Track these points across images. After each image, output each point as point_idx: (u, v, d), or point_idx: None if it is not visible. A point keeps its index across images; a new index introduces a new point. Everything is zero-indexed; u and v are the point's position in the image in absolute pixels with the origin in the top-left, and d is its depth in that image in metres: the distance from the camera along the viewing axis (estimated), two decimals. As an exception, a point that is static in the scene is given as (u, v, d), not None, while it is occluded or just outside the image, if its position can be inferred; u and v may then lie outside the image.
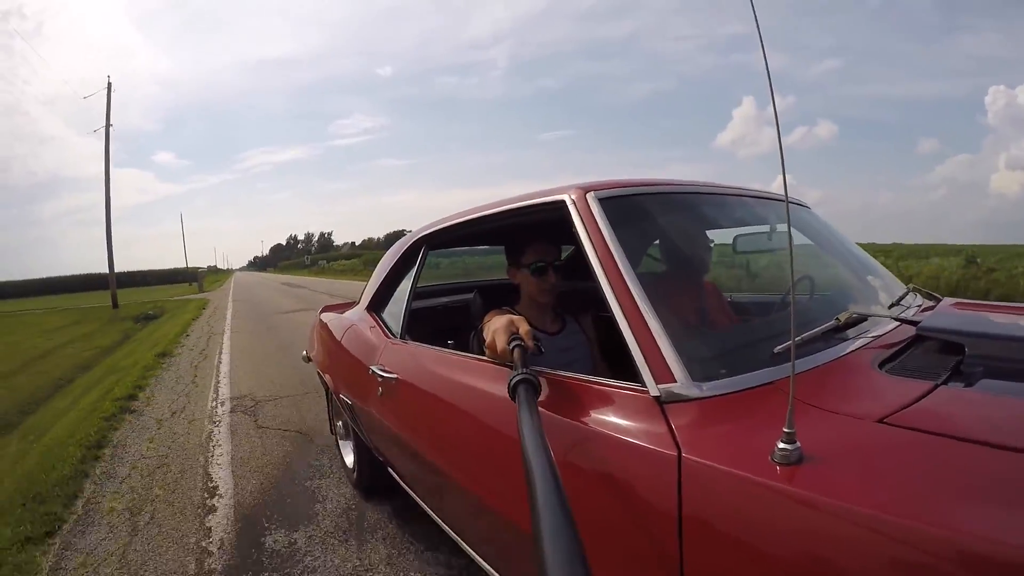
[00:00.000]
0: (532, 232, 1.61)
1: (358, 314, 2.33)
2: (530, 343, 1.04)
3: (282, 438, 3.25)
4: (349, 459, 2.55)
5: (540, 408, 0.96)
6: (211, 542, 2.10)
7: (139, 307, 16.35)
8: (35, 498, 2.53)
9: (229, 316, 11.52)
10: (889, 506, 0.56)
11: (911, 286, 1.37)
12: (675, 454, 0.73)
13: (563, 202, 1.19)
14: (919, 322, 1.05)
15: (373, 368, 1.80)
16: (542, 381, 1.03)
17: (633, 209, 1.21)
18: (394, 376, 1.68)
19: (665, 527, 0.71)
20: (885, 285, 1.46)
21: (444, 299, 2.65)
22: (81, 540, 2.18)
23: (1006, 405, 0.75)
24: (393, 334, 1.92)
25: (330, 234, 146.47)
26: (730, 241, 1.63)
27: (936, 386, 0.80)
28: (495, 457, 1.14)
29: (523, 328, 1.07)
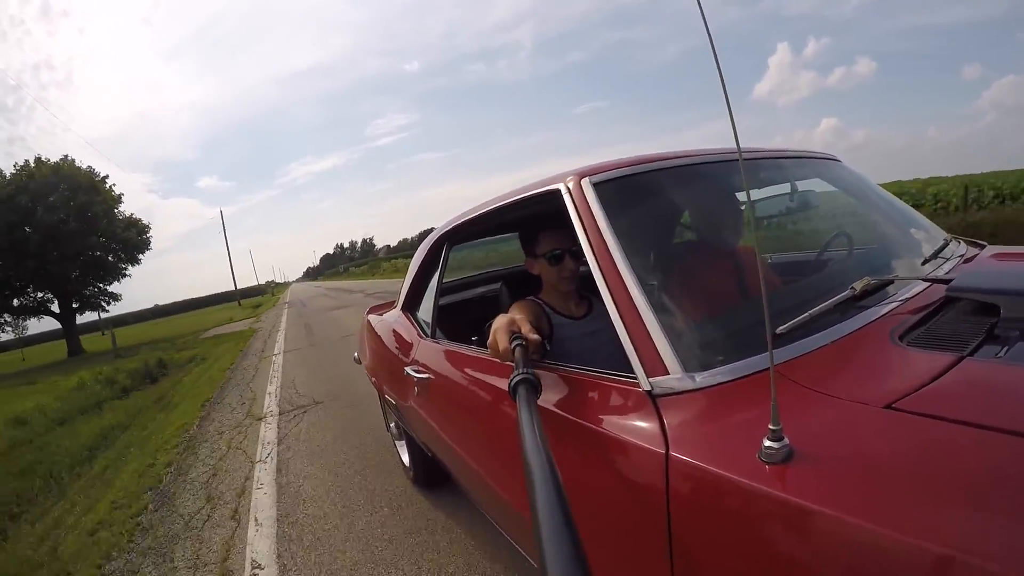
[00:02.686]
0: (544, 220, 1.59)
1: (395, 315, 2.40)
2: (532, 339, 1.04)
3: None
4: (405, 458, 2.65)
5: (540, 401, 0.97)
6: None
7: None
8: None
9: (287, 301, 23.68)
10: (880, 515, 0.51)
11: (951, 236, 1.25)
12: (663, 451, 0.71)
13: (558, 191, 1.17)
14: (951, 280, 0.96)
15: (407, 369, 1.86)
16: (545, 375, 1.03)
17: (633, 191, 1.17)
18: (426, 376, 1.72)
19: (654, 523, 0.70)
20: (924, 236, 1.33)
21: (475, 291, 2.68)
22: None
23: None
24: (425, 333, 1.96)
25: (372, 239, 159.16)
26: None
27: (961, 358, 0.72)
28: (507, 453, 1.16)
29: (525, 327, 1.07)
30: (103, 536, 2.69)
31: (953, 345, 0.77)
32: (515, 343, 1.01)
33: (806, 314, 0.86)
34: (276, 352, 8.37)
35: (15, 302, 21.65)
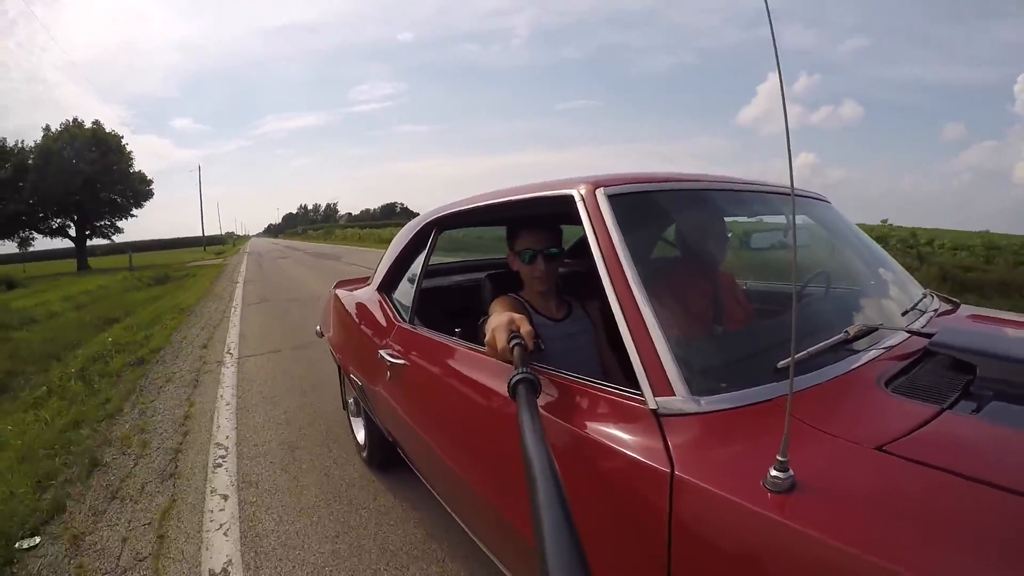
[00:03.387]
0: (530, 218, 1.59)
1: (369, 294, 2.34)
2: (530, 343, 1.04)
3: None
4: (360, 436, 2.61)
5: (541, 409, 0.97)
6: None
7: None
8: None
9: (247, 251, 29.73)
10: (874, 545, 0.55)
11: (928, 291, 1.33)
12: (668, 471, 0.73)
13: (571, 197, 1.16)
14: (932, 335, 1.02)
15: (382, 353, 1.82)
16: (546, 382, 1.03)
17: (644, 206, 1.18)
18: (401, 362, 1.70)
19: (655, 542, 0.71)
20: (902, 286, 1.41)
21: (455, 278, 2.64)
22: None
23: (1012, 438, 0.72)
24: (402, 318, 1.93)
25: (335, 204, 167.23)
26: (743, 233, 1.59)
27: (942, 411, 0.78)
28: (492, 452, 1.15)
29: (524, 327, 1.06)
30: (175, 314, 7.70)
31: (933, 397, 0.83)
32: (514, 342, 1.01)
33: (805, 352, 0.89)
34: (239, 277, 13.87)
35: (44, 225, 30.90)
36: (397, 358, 1.72)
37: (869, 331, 1.03)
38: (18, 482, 2.47)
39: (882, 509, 0.60)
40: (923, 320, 1.20)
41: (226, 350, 5.08)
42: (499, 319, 1.10)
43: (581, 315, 1.66)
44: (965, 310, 1.36)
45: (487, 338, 1.12)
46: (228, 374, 4.22)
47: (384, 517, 2.10)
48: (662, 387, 0.83)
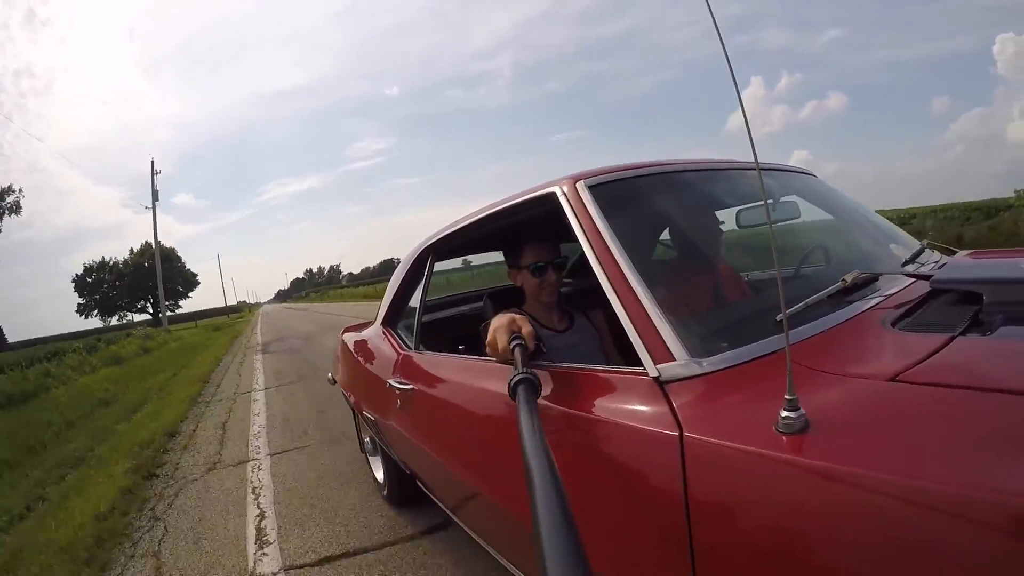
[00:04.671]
0: (529, 233, 1.61)
1: (374, 331, 2.35)
2: (531, 343, 1.03)
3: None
4: (379, 474, 2.57)
5: (543, 400, 0.95)
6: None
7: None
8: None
9: (260, 314, 40.47)
10: (902, 467, 0.52)
11: (925, 242, 1.31)
12: (676, 434, 0.70)
13: (553, 194, 1.18)
14: (932, 276, 1.00)
15: (390, 381, 1.81)
16: (544, 374, 1.02)
17: (626, 194, 1.19)
18: (410, 387, 1.68)
19: (672, 508, 0.68)
20: (899, 241, 1.40)
21: (457, 309, 2.65)
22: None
23: None
24: (407, 346, 1.93)
25: (339, 266, 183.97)
26: (733, 218, 1.59)
27: (953, 338, 0.75)
28: (511, 459, 1.12)
29: (525, 328, 1.06)
30: (235, 333, 21.06)
31: (942, 329, 0.80)
32: (515, 343, 1.00)
33: (803, 302, 0.88)
34: (258, 324, 23.48)
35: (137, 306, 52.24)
36: (406, 384, 1.71)
37: (870, 279, 1.01)
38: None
39: (904, 432, 0.58)
40: (925, 268, 1.18)
41: (256, 333, 17.48)
42: (500, 320, 1.10)
43: (584, 324, 1.66)
44: (963, 253, 1.34)
45: (488, 339, 1.11)
46: (260, 328, 20.19)
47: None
48: (661, 354, 0.81)
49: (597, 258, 0.99)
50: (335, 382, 2.99)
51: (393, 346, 2.03)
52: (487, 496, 1.23)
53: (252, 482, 3.11)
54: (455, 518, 1.65)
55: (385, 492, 2.45)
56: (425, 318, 1.96)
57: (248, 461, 3.51)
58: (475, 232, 1.70)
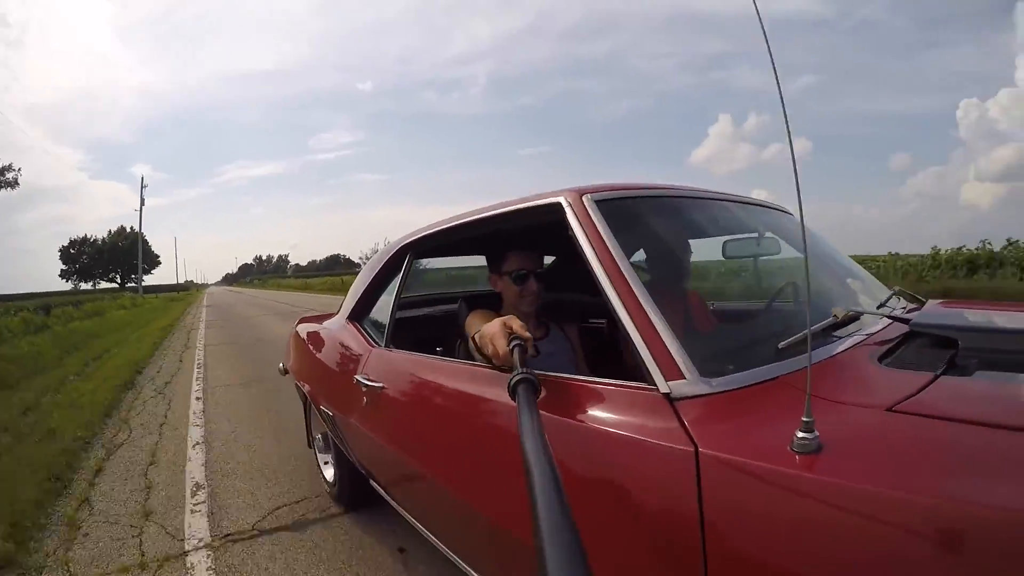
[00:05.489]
0: (514, 240, 1.61)
1: (338, 324, 2.27)
2: (527, 335, 1.03)
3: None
4: (329, 473, 2.48)
5: (547, 411, 0.95)
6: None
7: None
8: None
9: (207, 294, 44.51)
10: (910, 487, 0.57)
11: (896, 288, 1.41)
12: (692, 450, 0.72)
13: (559, 204, 1.18)
14: (910, 319, 1.07)
15: (358, 377, 1.75)
16: (548, 384, 1.01)
17: (627, 212, 1.21)
18: (380, 385, 1.63)
19: (685, 523, 0.69)
20: (870, 289, 1.49)
21: (427, 309, 2.60)
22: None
23: (1006, 390, 0.77)
24: (377, 343, 1.88)
25: (287, 256, 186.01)
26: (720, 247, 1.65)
27: (936, 376, 0.81)
28: (496, 463, 1.11)
29: (516, 325, 1.06)
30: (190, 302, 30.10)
31: (924, 368, 0.87)
32: (513, 343, 1.00)
33: (802, 333, 0.92)
34: (205, 299, 32.61)
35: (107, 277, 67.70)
36: (375, 382, 1.66)
37: (854, 317, 1.07)
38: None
39: (907, 457, 0.63)
40: (898, 312, 1.26)
41: (203, 302, 26.69)
42: (493, 326, 1.08)
43: (559, 336, 1.67)
44: (934, 301, 1.44)
45: (489, 350, 1.09)
46: (205, 303, 25.59)
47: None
48: (671, 371, 0.83)
49: (606, 273, 1.00)
50: (287, 372, 2.87)
51: (361, 342, 1.97)
52: (465, 504, 1.21)
53: (199, 350, 7.88)
54: (417, 523, 1.60)
55: (335, 491, 2.36)
56: (398, 316, 1.92)
57: (196, 348, 8.23)
58: (460, 234, 1.68)
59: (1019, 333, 0.95)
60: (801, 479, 0.62)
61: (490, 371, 1.17)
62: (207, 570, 1.94)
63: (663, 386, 0.82)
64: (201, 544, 2.13)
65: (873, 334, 1.08)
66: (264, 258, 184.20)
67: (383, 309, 2.00)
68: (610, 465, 0.83)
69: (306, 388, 2.40)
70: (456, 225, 1.65)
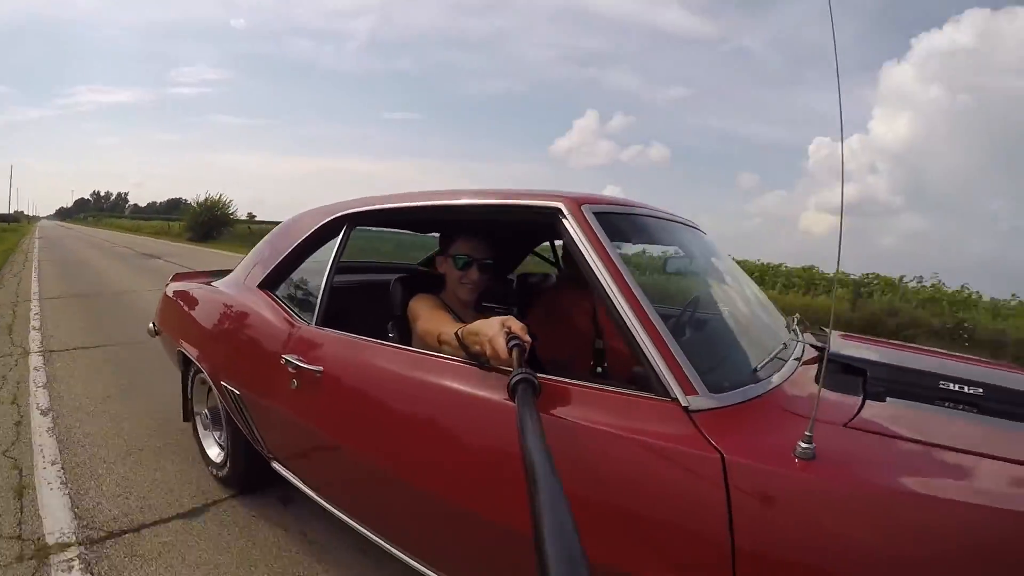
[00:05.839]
0: (468, 226, 1.61)
1: (243, 291, 2.03)
2: (527, 339, 1.04)
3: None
4: (214, 451, 2.24)
5: (559, 415, 1.01)
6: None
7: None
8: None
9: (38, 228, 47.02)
10: (889, 484, 0.81)
11: (797, 316, 1.70)
12: (718, 456, 0.85)
13: (558, 210, 1.22)
14: (823, 347, 1.34)
15: (287, 358, 1.60)
16: (558, 388, 1.07)
17: (615, 227, 1.28)
18: (318, 368, 1.52)
19: (715, 519, 0.83)
20: (771, 308, 1.78)
21: (347, 279, 2.42)
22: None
23: (918, 416, 1.06)
24: (303, 319, 1.73)
25: (126, 194, 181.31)
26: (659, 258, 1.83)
27: (864, 400, 1.06)
28: (483, 464, 1.13)
29: (516, 327, 1.06)
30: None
31: (849, 392, 1.11)
32: (512, 344, 1.01)
33: (769, 356, 1.12)
34: (37, 231, 35.87)
35: None
36: (309, 364, 1.54)
37: (791, 346, 1.31)
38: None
39: (871, 459, 0.88)
40: (810, 337, 1.56)
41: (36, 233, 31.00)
42: (491, 326, 1.08)
43: None
44: (837, 333, 1.78)
45: (476, 342, 1.10)
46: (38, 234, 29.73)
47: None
48: (687, 387, 0.95)
49: (615, 285, 1.07)
50: (157, 333, 2.51)
51: (283, 316, 1.79)
52: (437, 493, 1.21)
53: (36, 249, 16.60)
54: (342, 513, 1.56)
55: (225, 472, 2.15)
56: (310, 285, 1.81)
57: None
58: (418, 215, 1.63)
59: (911, 371, 1.29)
60: (810, 480, 0.81)
61: (461, 363, 1.20)
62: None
63: (683, 399, 0.94)
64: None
65: (799, 358, 1.32)
66: (103, 194, 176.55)
67: (310, 283, 1.84)
68: (637, 471, 0.93)
69: (197, 357, 2.11)
70: (418, 206, 1.59)
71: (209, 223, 26.00)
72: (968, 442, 0.92)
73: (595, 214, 1.21)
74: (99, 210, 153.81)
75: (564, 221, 1.20)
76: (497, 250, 1.72)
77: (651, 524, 0.89)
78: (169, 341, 2.41)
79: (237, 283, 2.13)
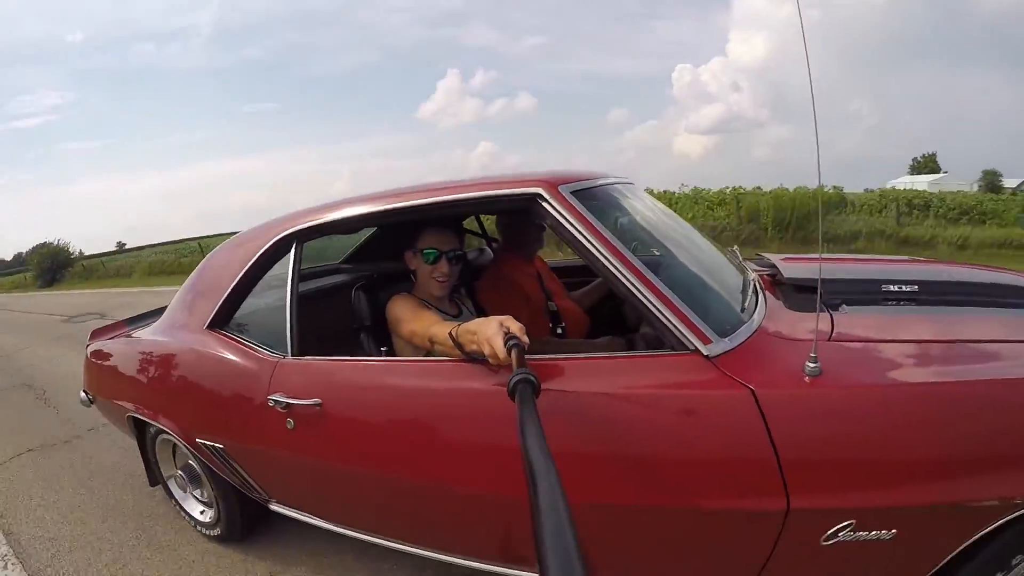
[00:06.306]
0: (434, 219, 1.60)
1: (191, 336, 1.84)
2: (524, 339, 1.04)
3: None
4: (197, 510, 2.11)
5: (598, 392, 1.10)
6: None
7: None
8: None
9: None
10: (882, 379, 1.01)
11: (735, 247, 1.87)
12: (748, 391, 1.00)
13: (537, 195, 1.25)
14: (776, 272, 1.52)
15: (274, 398, 1.51)
16: (580, 364, 1.15)
17: (591, 200, 1.33)
18: (315, 402, 1.45)
19: (759, 444, 0.97)
20: (720, 250, 1.94)
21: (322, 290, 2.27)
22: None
23: (873, 319, 1.28)
24: (276, 354, 1.62)
25: None
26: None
27: (832, 315, 1.25)
28: (504, 459, 1.15)
29: (514, 326, 1.06)
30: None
31: (809, 309, 1.29)
32: (511, 343, 1.01)
33: (748, 295, 1.28)
34: None
35: None
36: (302, 399, 1.46)
37: (750, 279, 1.48)
38: None
39: (867, 364, 1.07)
40: (752, 265, 1.74)
41: None
42: (489, 327, 1.08)
43: (471, 316, 1.74)
44: (777, 256, 1.96)
45: (473, 342, 1.13)
46: None
47: None
48: (702, 337, 1.08)
49: (614, 258, 1.15)
50: (92, 401, 2.26)
51: (252, 355, 1.66)
52: (470, 502, 1.29)
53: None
54: (374, 536, 1.58)
55: (220, 530, 2.02)
56: (252, 307, 1.75)
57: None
58: (377, 219, 1.57)
59: (855, 281, 1.53)
60: (825, 391, 0.98)
61: (469, 363, 1.22)
62: None
63: (704, 349, 1.07)
64: None
65: (761, 289, 1.49)
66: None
67: (270, 312, 1.72)
68: (677, 420, 1.06)
69: (156, 419, 1.92)
70: (384, 210, 1.50)
71: (52, 268, 27.58)
72: (926, 332, 1.17)
73: (573, 192, 1.27)
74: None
75: (545, 205, 1.24)
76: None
77: (707, 464, 1.03)
78: (111, 407, 2.16)
79: (177, 328, 1.95)
